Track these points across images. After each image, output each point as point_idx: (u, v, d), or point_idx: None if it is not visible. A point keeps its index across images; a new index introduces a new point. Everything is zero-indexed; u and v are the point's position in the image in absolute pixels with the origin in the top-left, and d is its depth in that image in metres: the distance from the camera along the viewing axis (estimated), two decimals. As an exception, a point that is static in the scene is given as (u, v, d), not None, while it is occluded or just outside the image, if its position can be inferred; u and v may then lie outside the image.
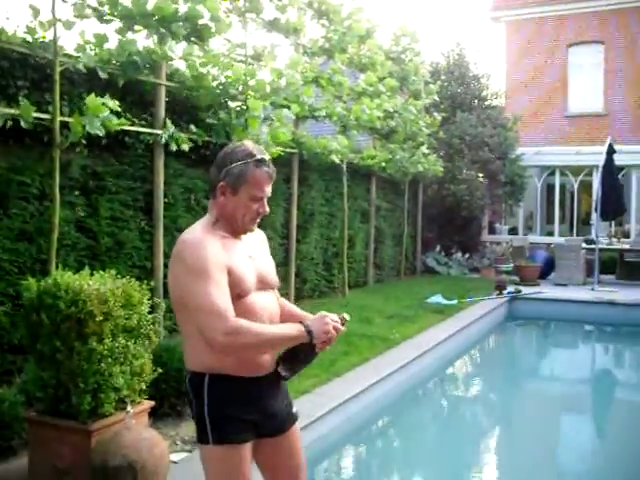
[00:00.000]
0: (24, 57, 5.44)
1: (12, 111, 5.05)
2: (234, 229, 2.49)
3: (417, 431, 6.51)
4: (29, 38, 5.43)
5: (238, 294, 2.37)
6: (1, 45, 5.20)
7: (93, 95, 5.25)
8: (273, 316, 2.55)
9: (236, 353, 2.36)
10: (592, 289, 13.05)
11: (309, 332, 2.36)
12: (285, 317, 2.64)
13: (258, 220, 2.54)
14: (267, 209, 2.52)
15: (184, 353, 2.51)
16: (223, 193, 2.45)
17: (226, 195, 2.44)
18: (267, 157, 2.48)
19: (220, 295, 2.28)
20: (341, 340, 7.73)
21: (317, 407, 5.54)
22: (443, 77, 17.89)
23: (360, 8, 10.71)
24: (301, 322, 2.41)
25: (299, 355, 2.44)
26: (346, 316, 2.48)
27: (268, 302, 2.55)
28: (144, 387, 4.22)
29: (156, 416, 4.85)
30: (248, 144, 2.50)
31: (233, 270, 2.37)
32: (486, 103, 18.14)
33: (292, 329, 2.39)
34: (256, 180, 2.43)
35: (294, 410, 2.70)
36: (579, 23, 18.95)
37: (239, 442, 2.43)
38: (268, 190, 2.49)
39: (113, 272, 4.22)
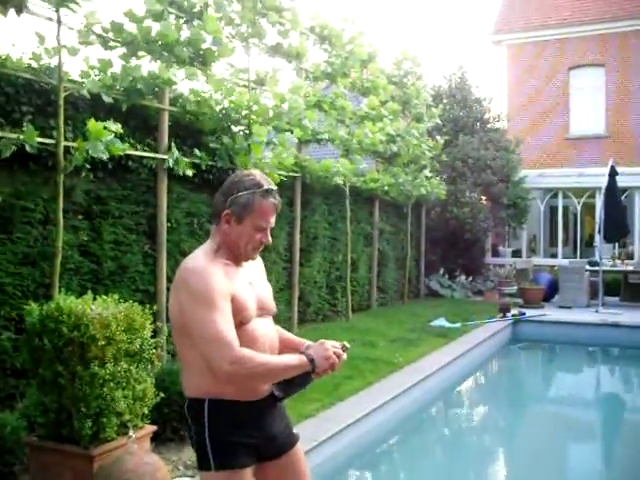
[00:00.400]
0: (29, 83, 5.50)
1: (17, 136, 5.09)
2: (236, 257, 2.50)
3: (421, 455, 6.47)
4: (34, 64, 5.49)
5: (240, 321, 2.38)
6: (6, 72, 5.25)
7: (93, 120, 5.28)
8: (273, 342, 2.58)
9: (241, 382, 2.37)
10: (596, 311, 13.01)
11: (311, 361, 2.38)
12: (282, 344, 2.66)
13: (260, 249, 2.55)
14: (270, 239, 2.53)
15: (183, 380, 2.51)
16: (228, 221, 2.45)
17: (230, 223, 2.45)
18: (274, 188, 2.50)
19: (225, 324, 2.29)
20: (345, 364, 7.69)
21: (321, 431, 5.51)
22: (445, 100, 17.97)
23: (362, 32, 10.80)
24: (302, 352, 2.44)
25: (294, 379, 2.45)
26: (347, 344, 2.50)
27: (268, 329, 2.57)
28: (146, 411, 4.21)
29: (158, 441, 4.83)
30: (256, 173, 2.51)
31: (236, 298, 2.38)
32: (488, 126, 18.20)
33: (294, 359, 2.40)
34: (262, 211, 2.44)
35: (294, 431, 2.70)
36: (580, 46, 19.07)
37: (240, 467, 2.42)
38: (272, 221, 2.50)
39: (116, 296, 4.23)
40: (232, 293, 2.37)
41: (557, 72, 19.33)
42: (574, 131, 19.11)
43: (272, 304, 2.66)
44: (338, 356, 2.43)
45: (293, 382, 2.46)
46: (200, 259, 2.40)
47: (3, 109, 5.30)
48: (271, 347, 2.54)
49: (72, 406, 3.82)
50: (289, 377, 2.44)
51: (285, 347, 2.66)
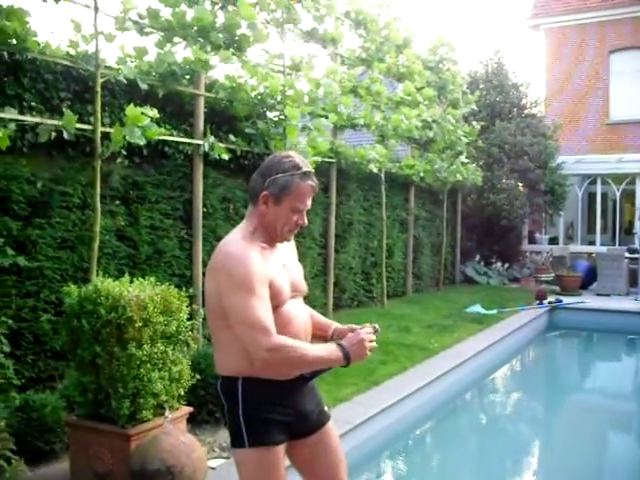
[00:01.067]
0: (67, 69, 5.57)
1: (56, 122, 5.17)
2: (272, 238, 2.52)
3: (455, 441, 6.46)
4: (72, 51, 5.56)
5: (276, 305, 2.40)
6: (45, 59, 5.33)
7: (132, 105, 5.33)
8: (307, 323, 2.60)
9: (277, 369, 2.39)
10: (635, 299, 12.83)
11: (347, 357, 2.40)
12: (313, 325, 2.68)
13: (296, 231, 2.56)
14: (306, 221, 2.55)
15: (216, 359, 2.53)
16: (265, 202, 2.46)
17: (268, 204, 2.46)
18: (312, 170, 2.52)
19: (263, 311, 2.31)
20: (380, 349, 7.70)
21: (356, 415, 5.53)
22: (482, 86, 17.77)
23: (397, 18, 10.74)
24: (338, 344, 2.43)
25: None
26: (377, 327, 2.52)
27: (300, 310, 2.59)
28: (182, 393, 4.27)
29: (194, 422, 4.89)
30: (294, 155, 2.51)
31: (273, 283, 2.40)
32: (525, 112, 17.97)
33: (331, 352, 2.41)
34: (300, 192, 2.46)
35: (325, 408, 2.72)
36: (620, 29, 18.70)
37: (274, 444, 2.45)
38: (309, 203, 2.52)
39: (152, 279, 4.28)
40: (270, 278, 2.39)
41: (597, 56, 18.99)
42: (614, 116, 18.78)
43: (304, 285, 2.67)
44: (370, 341, 2.45)
45: None
46: (239, 242, 2.41)
47: (42, 95, 5.38)
48: (305, 328, 2.57)
49: (110, 386, 3.89)
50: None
51: (314, 328, 2.67)
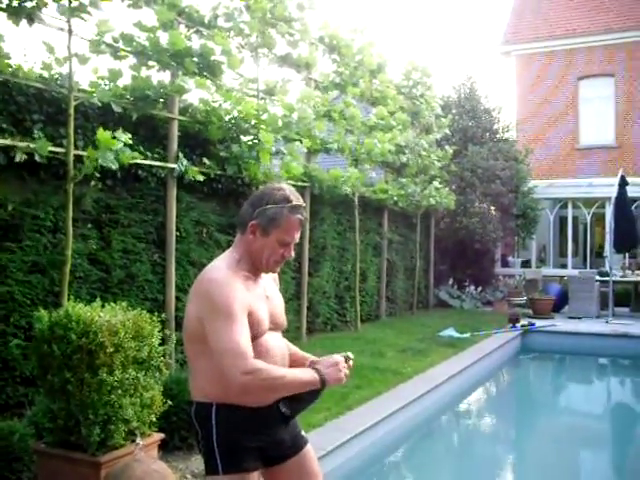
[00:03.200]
0: (40, 92, 5.54)
1: (27, 144, 5.13)
2: (257, 268, 2.53)
3: (428, 466, 6.43)
4: (45, 74, 5.54)
5: (254, 335, 2.39)
6: (18, 81, 5.30)
7: (102, 130, 5.31)
8: (284, 355, 2.60)
9: (255, 393, 2.36)
10: (607, 322, 12.95)
11: (322, 380, 2.40)
12: (290, 358, 2.68)
13: (282, 264, 2.56)
14: (293, 254, 2.55)
15: (191, 384, 2.52)
16: (253, 232, 2.47)
17: (256, 235, 2.47)
18: (303, 204, 2.52)
19: (241, 336, 2.30)
20: (354, 374, 7.68)
21: (328, 441, 5.49)
22: (454, 110, 17.97)
23: (371, 43, 10.84)
24: (313, 368, 2.43)
25: (303, 395, 2.46)
26: (350, 355, 2.51)
27: (279, 342, 2.59)
28: (154, 419, 4.21)
29: (166, 449, 4.82)
30: (286, 188, 2.52)
31: (253, 312, 2.40)
32: (497, 136, 18.19)
33: (307, 375, 2.41)
34: (289, 226, 2.47)
35: (302, 433, 2.71)
36: (589, 56, 19.09)
37: (248, 470, 2.43)
38: (297, 236, 2.52)
39: (124, 304, 4.24)
40: (250, 307, 2.39)
41: (566, 82, 19.35)
42: (584, 141, 19.11)
43: (284, 319, 2.68)
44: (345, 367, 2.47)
45: (302, 399, 2.47)
46: (222, 270, 2.41)
47: (14, 118, 5.34)
48: (282, 360, 2.56)
49: (80, 413, 3.82)
50: (299, 392, 2.45)
51: (291, 361, 2.67)
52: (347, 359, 2.49)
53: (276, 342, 2.55)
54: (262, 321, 2.45)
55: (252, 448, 2.45)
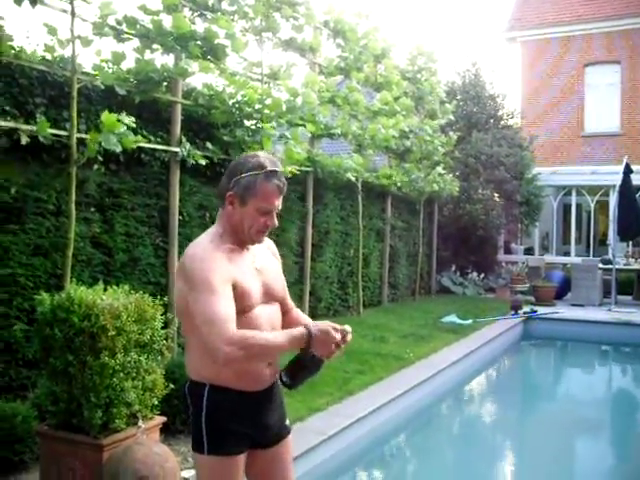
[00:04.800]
0: (43, 74, 5.51)
1: (30, 127, 5.12)
2: (241, 240, 2.48)
3: (431, 451, 6.46)
4: (48, 56, 5.51)
5: (243, 308, 2.37)
6: (20, 63, 5.27)
7: (107, 112, 5.29)
8: (276, 329, 2.54)
9: (240, 363, 2.34)
10: (609, 310, 12.95)
11: (309, 335, 2.30)
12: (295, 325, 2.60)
13: (266, 232, 2.51)
14: (275, 222, 2.48)
15: (186, 361, 2.53)
16: (231, 203, 2.43)
17: (234, 205, 2.43)
18: (279, 169, 2.44)
19: (222, 307, 2.26)
20: (355, 359, 7.73)
21: (330, 425, 5.51)
22: (459, 96, 17.90)
23: (376, 28, 10.78)
24: (305, 325, 2.36)
25: (303, 363, 2.39)
26: (347, 328, 2.40)
27: (273, 315, 2.54)
28: (156, 402, 4.22)
29: (168, 432, 4.84)
30: (261, 155, 2.46)
31: (238, 284, 2.36)
32: (502, 123, 18.12)
33: (293, 334, 2.32)
34: (265, 193, 2.40)
35: (287, 422, 2.70)
36: (595, 43, 18.98)
37: (233, 454, 2.44)
38: (277, 203, 2.45)
39: (127, 287, 4.24)
40: (234, 279, 2.35)
41: (572, 69, 19.25)
42: (589, 128, 19.04)
43: (279, 290, 2.62)
44: (338, 342, 2.35)
45: (304, 367, 2.40)
46: (203, 244, 2.40)
47: (17, 100, 5.32)
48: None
49: (82, 396, 3.84)
50: (301, 361, 2.37)
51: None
52: (344, 334, 2.37)
53: (269, 315, 2.50)
54: (249, 293, 2.40)
55: (240, 433, 2.45)
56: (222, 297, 2.28)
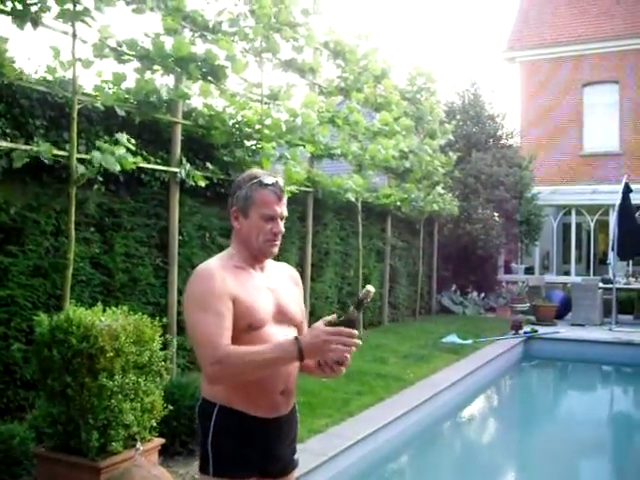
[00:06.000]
0: (43, 95, 5.54)
1: (30, 148, 5.14)
2: (253, 254, 2.47)
3: (430, 473, 6.41)
4: (49, 77, 5.53)
5: (249, 325, 2.33)
6: (22, 84, 5.30)
7: (105, 137, 5.30)
8: None
9: (229, 380, 2.31)
10: (610, 329, 12.91)
11: (300, 353, 2.18)
12: None
13: (276, 242, 2.48)
14: (281, 228, 2.48)
15: (202, 378, 2.45)
16: (236, 218, 2.47)
17: (239, 220, 2.47)
18: (273, 180, 2.46)
19: (211, 326, 2.24)
20: (355, 380, 7.68)
21: (330, 447, 5.47)
22: (458, 116, 17.98)
23: (375, 48, 10.83)
24: (296, 338, 2.23)
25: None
26: (370, 288, 2.21)
27: (287, 336, 2.39)
28: (154, 424, 4.20)
29: (166, 454, 4.81)
30: (255, 170, 2.55)
31: (240, 299, 2.33)
32: (501, 142, 18.19)
33: (284, 350, 2.20)
34: (262, 199, 2.43)
35: (296, 457, 2.64)
36: (594, 63, 19.08)
37: (239, 478, 2.39)
38: (279, 209, 2.46)
39: (125, 308, 4.24)
40: (234, 294, 2.32)
41: (571, 89, 19.33)
42: (588, 148, 19.08)
43: (295, 313, 2.55)
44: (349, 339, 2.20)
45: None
46: (209, 263, 2.42)
47: (17, 121, 5.34)
48: None
49: (80, 417, 3.82)
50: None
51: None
52: (367, 295, 2.20)
53: (281, 336, 2.38)
54: (256, 309, 2.36)
55: (247, 457, 2.40)
56: (213, 315, 2.26)
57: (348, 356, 2.26)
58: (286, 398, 2.47)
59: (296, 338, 2.23)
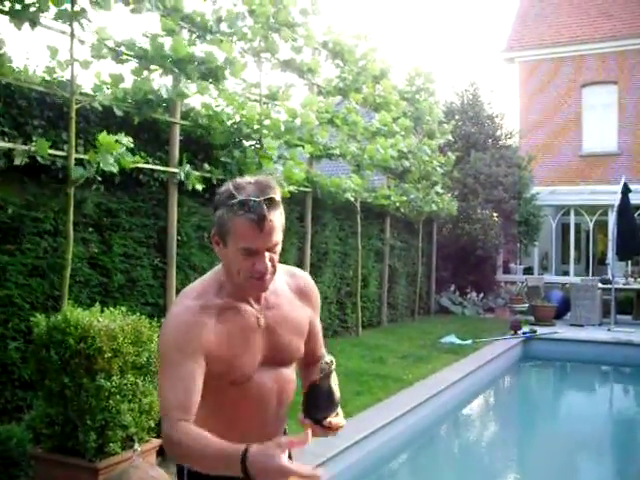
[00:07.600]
0: (42, 95, 5.53)
1: (28, 148, 5.13)
2: (239, 289, 2.02)
3: (429, 473, 6.40)
4: (47, 77, 5.52)
5: (232, 380, 2.01)
6: (20, 84, 5.29)
7: (104, 133, 5.30)
8: (282, 397, 2.15)
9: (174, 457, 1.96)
10: (609, 329, 12.90)
11: (244, 469, 1.71)
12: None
13: (264, 280, 1.96)
14: (267, 265, 1.92)
15: None
16: (217, 243, 1.98)
17: (220, 246, 1.97)
18: (255, 202, 1.86)
19: (174, 390, 1.88)
20: (354, 380, 7.67)
21: (328, 447, 5.45)
22: (457, 117, 17.96)
23: (374, 48, 10.83)
24: (246, 450, 1.73)
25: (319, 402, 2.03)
26: (329, 359, 1.97)
27: (281, 381, 2.13)
28: (152, 425, 4.19)
29: (164, 455, 4.79)
30: (239, 181, 1.94)
31: (220, 356, 1.96)
32: (500, 143, 18.18)
33: (230, 461, 1.74)
34: (238, 230, 1.88)
35: None
36: (593, 64, 19.09)
37: None
38: (262, 241, 1.89)
39: (123, 309, 4.23)
40: (211, 350, 1.93)
41: (570, 89, 19.34)
42: (587, 148, 19.08)
43: (291, 352, 2.14)
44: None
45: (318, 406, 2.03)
46: (186, 302, 1.99)
47: (16, 121, 5.33)
48: (279, 402, 2.13)
49: (77, 418, 3.81)
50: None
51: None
52: (330, 365, 1.95)
53: (277, 381, 2.09)
54: (238, 367, 1.99)
55: None
56: (177, 378, 1.89)
57: None
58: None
59: (244, 452, 1.72)
